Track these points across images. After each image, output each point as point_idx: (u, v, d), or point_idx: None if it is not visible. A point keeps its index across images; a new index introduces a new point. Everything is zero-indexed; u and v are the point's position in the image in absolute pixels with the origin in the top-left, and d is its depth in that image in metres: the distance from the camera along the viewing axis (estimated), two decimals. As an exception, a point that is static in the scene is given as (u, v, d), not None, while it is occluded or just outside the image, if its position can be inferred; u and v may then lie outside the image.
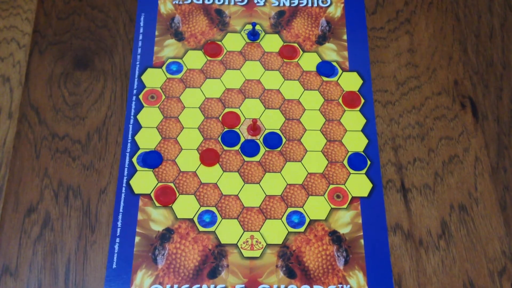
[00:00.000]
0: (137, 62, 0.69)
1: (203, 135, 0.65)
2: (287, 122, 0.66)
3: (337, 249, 0.59)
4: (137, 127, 0.65)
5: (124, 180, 0.62)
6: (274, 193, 0.62)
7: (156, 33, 0.71)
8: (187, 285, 0.57)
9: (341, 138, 0.65)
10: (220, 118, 0.66)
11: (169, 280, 0.57)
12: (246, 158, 0.63)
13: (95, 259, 0.58)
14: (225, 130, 0.65)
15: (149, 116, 0.66)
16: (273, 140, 0.65)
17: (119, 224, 0.60)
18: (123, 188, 0.62)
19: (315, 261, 0.58)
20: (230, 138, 0.65)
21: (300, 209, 0.61)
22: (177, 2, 0.73)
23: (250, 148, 0.64)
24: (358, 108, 0.67)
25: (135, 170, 0.63)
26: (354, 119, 0.66)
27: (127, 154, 0.63)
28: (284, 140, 0.65)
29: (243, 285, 0.57)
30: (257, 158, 0.64)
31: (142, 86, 0.67)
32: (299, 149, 0.64)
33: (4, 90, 0.67)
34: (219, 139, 0.65)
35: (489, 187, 0.63)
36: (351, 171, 0.63)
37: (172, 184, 0.62)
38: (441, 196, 0.63)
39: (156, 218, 0.60)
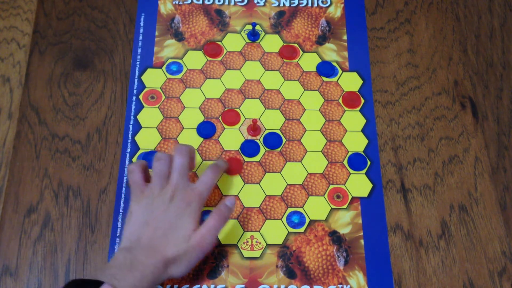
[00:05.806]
0: (137, 62, 0.69)
1: (203, 135, 0.65)
2: (287, 122, 0.66)
3: (337, 249, 0.59)
4: (137, 127, 0.65)
5: (124, 180, 0.62)
6: (274, 193, 0.62)
7: (156, 33, 0.71)
8: (187, 285, 0.57)
9: (341, 138, 0.65)
10: (220, 118, 0.66)
11: (169, 280, 0.57)
12: (246, 158, 0.63)
13: (95, 259, 0.58)
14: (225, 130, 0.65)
15: (149, 116, 0.66)
16: (273, 140, 0.65)
17: (119, 224, 0.60)
18: (123, 188, 0.62)
19: (315, 261, 0.58)
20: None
21: (300, 209, 0.61)
22: (177, 3, 0.73)
23: (250, 148, 0.64)
24: (358, 108, 0.67)
25: (135, 170, 0.62)
26: (354, 119, 0.66)
27: (127, 154, 0.63)
28: (284, 140, 0.65)
29: (243, 285, 0.57)
30: (257, 158, 0.64)
31: (142, 86, 0.67)
32: (299, 149, 0.64)
33: (4, 90, 0.67)
34: (219, 139, 0.65)
35: (489, 187, 0.63)
36: (351, 171, 0.63)
37: (172, 184, 0.62)
38: (441, 196, 0.63)
39: (156, 218, 0.60)
